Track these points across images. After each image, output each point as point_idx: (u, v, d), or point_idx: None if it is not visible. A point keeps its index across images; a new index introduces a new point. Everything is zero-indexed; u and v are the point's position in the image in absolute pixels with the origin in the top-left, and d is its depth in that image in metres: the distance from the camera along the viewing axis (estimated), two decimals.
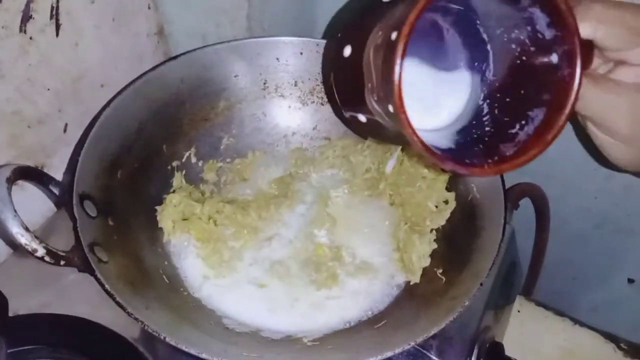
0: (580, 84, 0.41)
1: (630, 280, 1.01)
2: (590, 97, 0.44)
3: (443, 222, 0.64)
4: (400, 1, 0.40)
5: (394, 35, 0.37)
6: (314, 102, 0.74)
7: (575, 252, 1.03)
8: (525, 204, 0.93)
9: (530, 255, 1.00)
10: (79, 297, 0.58)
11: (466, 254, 0.58)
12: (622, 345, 0.86)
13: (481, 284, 0.51)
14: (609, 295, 1.03)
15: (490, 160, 0.43)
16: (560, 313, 0.88)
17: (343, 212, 0.68)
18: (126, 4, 0.67)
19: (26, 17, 0.55)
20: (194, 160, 0.70)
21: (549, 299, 0.93)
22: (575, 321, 0.87)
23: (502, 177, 0.59)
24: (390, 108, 0.38)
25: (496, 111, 0.47)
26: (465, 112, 0.49)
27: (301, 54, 0.70)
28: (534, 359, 0.81)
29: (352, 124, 0.52)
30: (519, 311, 0.87)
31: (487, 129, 0.47)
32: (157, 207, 0.63)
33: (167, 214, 0.62)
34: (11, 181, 0.47)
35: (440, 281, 0.59)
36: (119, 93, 0.61)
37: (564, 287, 1.06)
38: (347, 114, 0.51)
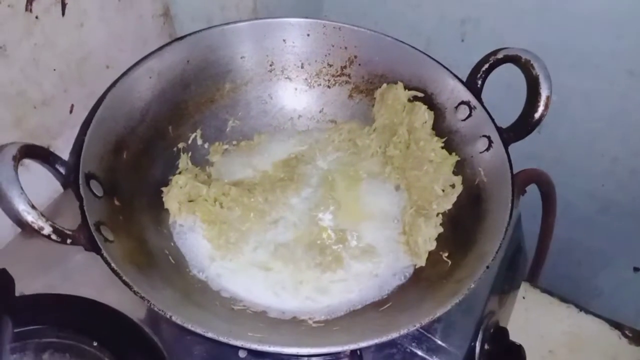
0: None
1: (636, 269, 1.01)
2: None
3: (449, 206, 0.64)
4: None
5: None
6: (320, 84, 0.73)
7: (581, 238, 1.03)
8: (532, 191, 0.93)
9: (536, 241, 1.00)
10: (84, 278, 0.59)
11: (472, 237, 0.58)
12: (626, 332, 0.86)
13: (487, 267, 0.51)
14: (614, 282, 1.03)
15: None
16: (565, 300, 0.88)
17: (348, 195, 0.68)
18: None
19: None
20: (199, 142, 0.69)
21: (554, 285, 0.94)
22: (581, 308, 0.88)
23: (510, 160, 0.59)
24: None
25: None
26: None
27: (308, 35, 0.70)
28: (538, 345, 0.81)
29: None
30: (524, 297, 0.87)
31: None
32: (162, 189, 0.63)
33: (173, 195, 0.62)
34: (17, 159, 0.47)
35: (446, 264, 0.59)
36: (124, 74, 0.61)
37: (569, 273, 1.06)
38: None
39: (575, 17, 0.77)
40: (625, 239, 0.97)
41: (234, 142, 0.72)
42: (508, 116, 0.62)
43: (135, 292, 0.46)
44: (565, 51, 0.79)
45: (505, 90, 0.69)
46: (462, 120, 0.65)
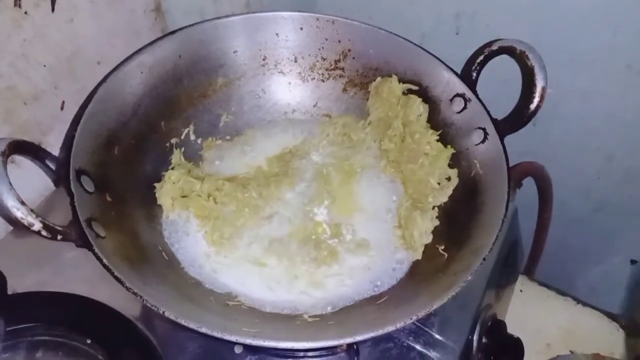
0: None
1: (633, 262, 1.01)
2: None
3: (445, 199, 0.64)
4: None
5: None
6: (314, 78, 0.73)
7: (576, 234, 1.03)
8: (528, 187, 0.93)
9: (532, 235, 1.00)
10: (77, 275, 0.58)
11: (468, 230, 0.58)
12: (623, 324, 0.86)
13: (484, 259, 0.51)
14: (611, 275, 1.03)
15: None
16: (562, 293, 0.88)
17: (343, 189, 0.67)
18: None
19: None
20: (192, 137, 0.69)
21: (551, 279, 0.93)
22: (578, 301, 0.87)
23: (505, 152, 0.59)
24: None
25: None
26: None
27: (301, 29, 0.69)
28: (536, 338, 0.81)
29: None
30: (521, 291, 0.87)
31: None
32: (155, 184, 0.63)
33: (166, 191, 0.62)
34: (6, 155, 0.46)
35: (442, 257, 0.58)
36: (115, 68, 0.60)
37: (565, 267, 1.06)
38: None
39: (571, 13, 0.77)
40: (622, 234, 0.97)
41: (228, 137, 0.71)
42: (503, 109, 0.62)
43: (127, 288, 0.45)
44: (561, 47, 0.78)
45: (500, 83, 0.68)
46: (457, 113, 0.65)
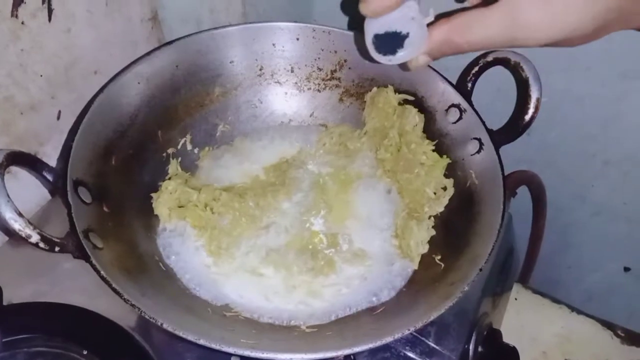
0: None
1: (627, 269, 1.01)
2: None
3: (441, 209, 0.64)
4: None
5: None
6: (310, 88, 0.73)
7: (572, 241, 1.03)
8: (522, 193, 0.93)
9: (527, 243, 1.00)
10: (74, 285, 0.58)
11: (464, 240, 0.58)
12: (619, 332, 0.86)
13: (480, 270, 0.51)
14: (604, 284, 1.03)
15: None
16: (557, 301, 0.88)
17: (340, 199, 0.67)
18: None
19: (18, 2, 0.54)
20: (189, 147, 0.69)
21: (546, 287, 0.93)
22: (573, 309, 0.88)
23: (501, 162, 0.59)
24: None
25: None
26: None
27: (297, 39, 0.70)
28: (531, 346, 0.81)
29: None
30: (516, 299, 0.87)
31: None
32: (152, 195, 0.63)
33: (163, 201, 0.62)
34: (3, 166, 0.46)
35: (439, 267, 0.59)
36: (112, 79, 0.60)
37: (560, 275, 1.06)
38: None
39: None
40: (617, 240, 0.98)
41: (224, 147, 0.71)
42: (499, 119, 0.62)
43: (125, 300, 0.45)
44: (554, 54, 0.79)
45: (495, 93, 0.69)
46: (452, 123, 0.65)
